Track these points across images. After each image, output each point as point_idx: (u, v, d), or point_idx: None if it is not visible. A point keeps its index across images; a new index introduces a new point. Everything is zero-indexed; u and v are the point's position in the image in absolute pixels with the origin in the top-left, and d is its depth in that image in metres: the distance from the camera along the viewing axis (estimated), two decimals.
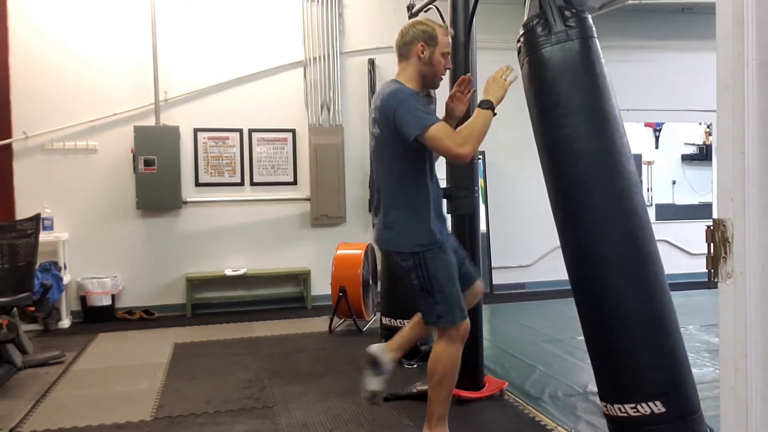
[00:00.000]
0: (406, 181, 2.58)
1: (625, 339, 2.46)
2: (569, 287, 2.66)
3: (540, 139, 2.67)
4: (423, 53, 2.57)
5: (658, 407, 2.38)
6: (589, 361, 2.66)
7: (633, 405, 2.42)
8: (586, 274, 2.56)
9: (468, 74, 2.88)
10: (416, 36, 2.58)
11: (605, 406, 2.57)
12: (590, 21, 2.60)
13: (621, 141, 2.54)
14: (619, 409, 2.47)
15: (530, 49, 2.61)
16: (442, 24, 2.68)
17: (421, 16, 4.13)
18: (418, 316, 2.79)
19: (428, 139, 2.43)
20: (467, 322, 2.63)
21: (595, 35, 2.60)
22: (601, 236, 2.50)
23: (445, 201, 3.38)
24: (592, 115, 2.53)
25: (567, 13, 2.58)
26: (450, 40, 2.67)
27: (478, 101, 2.60)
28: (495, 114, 2.56)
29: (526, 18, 2.67)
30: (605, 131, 2.52)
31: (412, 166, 2.58)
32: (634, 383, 2.45)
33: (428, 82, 2.65)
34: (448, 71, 2.79)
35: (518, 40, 2.69)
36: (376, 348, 2.81)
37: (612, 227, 2.49)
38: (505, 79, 2.60)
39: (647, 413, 2.40)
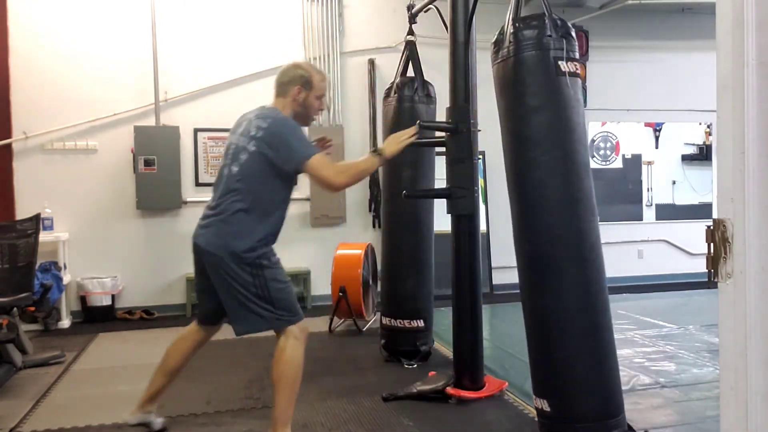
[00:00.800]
0: (264, 197, 2.67)
1: (533, 338, 2.75)
2: None
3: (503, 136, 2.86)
4: (299, 95, 2.77)
5: (545, 405, 2.64)
6: None
7: (534, 397, 2.75)
8: (523, 271, 2.80)
9: (329, 140, 3.11)
10: (294, 79, 2.78)
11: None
12: (539, 33, 2.63)
13: (540, 155, 2.65)
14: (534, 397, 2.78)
15: (492, 60, 2.83)
16: (321, 71, 2.92)
17: (421, 17, 4.16)
18: (178, 346, 2.94)
19: (309, 166, 2.63)
20: (305, 323, 2.74)
21: (537, 48, 2.63)
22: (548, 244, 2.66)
23: (445, 201, 3.40)
24: (512, 132, 2.74)
25: (517, 24, 2.65)
26: (326, 85, 2.89)
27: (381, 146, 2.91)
28: (382, 163, 2.87)
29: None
30: (523, 149, 2.69)
31: (280, 189, 2.72)
32: (535, 378, 2.73)
33: (300, 120, 2.80)
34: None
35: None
36: (131, 417, 2.95)
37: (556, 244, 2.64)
38: (406, 139, 2.90)
39: (539, 408, 2.70)
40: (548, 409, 2.61)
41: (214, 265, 2.63)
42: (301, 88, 2.75)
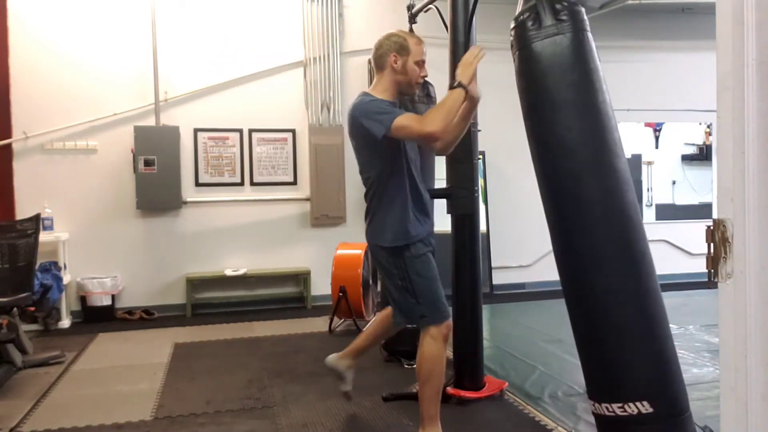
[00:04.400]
0: (383, 183, 2.69)
1: (613, 339, 2.43)
2: None
3: (530, 135, 2.61)
4: (396, 63, 2.69)
5: (645, 407, 2.36)
6: None
7: (620, 404, 2.39)
8: (574, 273, 2.53)
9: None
10: (389, 48, 2.71)
11: (593, 405, 2.52)
12: (583, 15, 2.50)
13: (611, 137, 2.46)
14: (607, 408, 2.43)
15: (520, 43, 2.55)
16: (414, 35, 2.80)
17: (421, 17, 4.15)
18: (380, 317, 2.97)
19: (395, 130, 2.52)
20: (450, 321, 2.74)
21: (587, 29, 2.51)
22: (590, 235, 2.46)
23: (445, 201, 3.40)
24: (581, 111, 2.47)
25: (558, 6, 2.52)
26: (424, 48, 2.76)
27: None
28: (467, 92, 2.61)
29: (518, 11, 2.63)
30: (595, 128, 2.45)
31: (386, 168, 2.68)
32: (622, 383, 2.43)
33: (404, 89, 2.78)
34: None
35: (510, 35, 2.62)
36: (331, 359, 3.14)
37: (601, 226, 2.45)
38: (474, 58, 2.66)
39: (634, 413, 2.37)
40: (650, 410, 2.37)
41: (373, 255, 2.85)
42: (396, 55, 2.67)
